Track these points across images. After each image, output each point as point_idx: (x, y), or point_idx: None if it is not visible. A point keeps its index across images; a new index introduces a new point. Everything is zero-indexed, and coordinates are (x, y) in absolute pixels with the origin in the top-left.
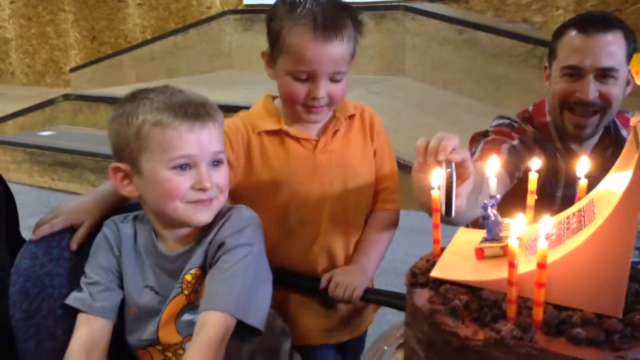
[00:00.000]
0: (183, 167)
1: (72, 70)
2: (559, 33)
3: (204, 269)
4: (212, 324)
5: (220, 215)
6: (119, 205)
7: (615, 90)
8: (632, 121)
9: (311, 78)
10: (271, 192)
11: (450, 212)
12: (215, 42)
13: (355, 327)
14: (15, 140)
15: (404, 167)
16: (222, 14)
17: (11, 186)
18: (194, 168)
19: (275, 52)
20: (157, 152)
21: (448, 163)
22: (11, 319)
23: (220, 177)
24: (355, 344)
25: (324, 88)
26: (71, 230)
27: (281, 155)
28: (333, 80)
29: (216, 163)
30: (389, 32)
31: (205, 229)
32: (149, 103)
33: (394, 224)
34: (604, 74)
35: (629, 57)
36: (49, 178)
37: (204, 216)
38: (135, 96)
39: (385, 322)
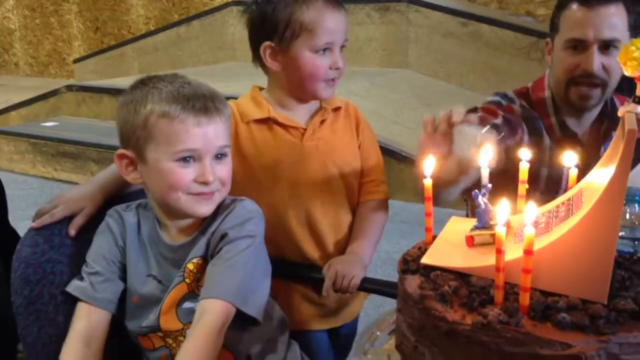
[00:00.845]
0: (187, 159)
1: (76, 61)
2: (561, 6)
3: (206, 258)
4: (212, 312)
5: (223, 207)
6: (119, 193)
7: (617, 61)
8: (620, 112)
9: (329, 49)
10: (261, 179)
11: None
12: (218, 33)
13: (348, 313)
14: (18, 130)
15: (406, 159)
16: (225, 5)
17: (14, 176)
18: (197, 161)
19: (285, 39)
20: (162, 143)
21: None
22: (12, 305)
23: (223, 171)
24: (348, 328)
25: (342, 57)
26: (72, 218)
27: (270, 143)
28: (341, 49)
29: (220, 156)
30: (392, 24)
31: (209, 220)
32: (158, 93)
33: (384, 212)
34: (607, 45)
35: (630, 28)
36: (52, 168)
37: (205, 208)
38: (144, 83)
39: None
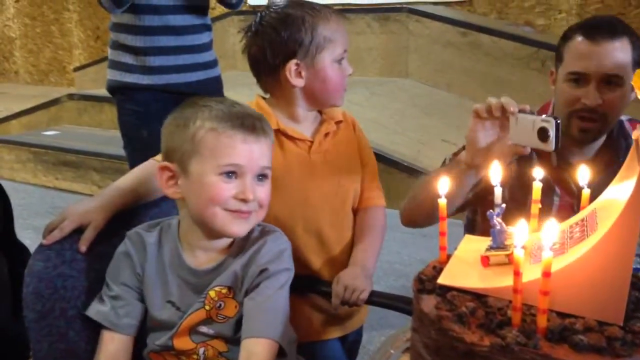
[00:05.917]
0: (230, 175)
1: (76, 69)
2: (566, 37)
3: (232, 289)
4: (261, 353)
5: (253, 239)
6: (127, 207)
7: (618, 97)
8: (634, 134)
9: (344, 58)
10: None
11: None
12: (219, 43)
13: (356, 320)
14: (19, 139)
15: (407, 170)
16: (226, 14)
17: (16, 186)
18: (240, 178)
19: (310, 54)
20: (208, 156)
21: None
22: (25, 320)
23: (263, 192)
24: (354, 335)
25: None
26: (81, 233)
27: (278, 154)
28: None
29: (261, 178)
30: (392, 34)
31: (237, 249)
32: (208, 110)
33: (384, 220)
34: (609, 80)
35: (634, 63)
36: (53, 177)
37: (240, 228)
38: (195, 103)
39: (388, 325)
